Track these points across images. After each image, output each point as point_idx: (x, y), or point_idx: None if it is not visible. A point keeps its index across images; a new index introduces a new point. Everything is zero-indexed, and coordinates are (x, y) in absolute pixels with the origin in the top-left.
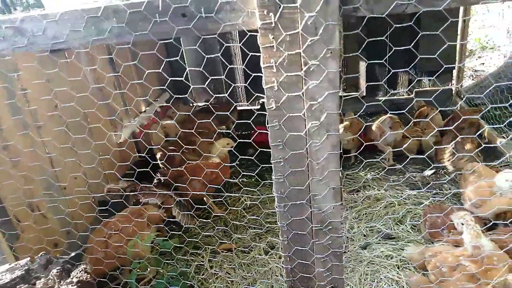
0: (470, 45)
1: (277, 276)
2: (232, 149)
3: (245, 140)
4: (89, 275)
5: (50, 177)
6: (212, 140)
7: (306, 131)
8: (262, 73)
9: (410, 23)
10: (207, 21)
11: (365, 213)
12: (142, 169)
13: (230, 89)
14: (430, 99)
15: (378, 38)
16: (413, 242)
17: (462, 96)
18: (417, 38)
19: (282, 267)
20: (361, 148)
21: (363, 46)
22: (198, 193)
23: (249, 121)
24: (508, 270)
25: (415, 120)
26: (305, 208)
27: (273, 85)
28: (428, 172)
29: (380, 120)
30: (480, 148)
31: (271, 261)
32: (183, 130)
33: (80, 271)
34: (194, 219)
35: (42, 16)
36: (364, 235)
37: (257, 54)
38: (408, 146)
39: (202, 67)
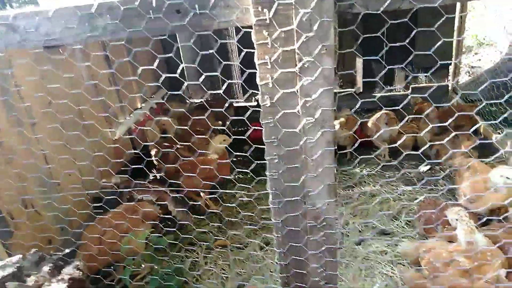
0: (467, 41)
1: (272, 272)
2: (227, 145)
3: (240, 137)
4: (81, 272)
5: (44, 174)
6: (207, 137)
7: (300, 128)
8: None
9: (405, 19)
10: (202, 17)
11: (360, 209)
12: (136, 166)
13: (225, 86)
14: (425, 95)
15: (374, 35)
16: (407, 238)
17: (457, 92)
18: (414, 34)
19: (276, 263)
20: (356, 144)
21: (360, 42)
22: (196, 189)
23: (244, 118)
24: (501, 265)
25: (409, 116)
26: (300, 204)
27: (268, 81)
28: (423, 168)
29: (376, 116)
30: (475, 144)
31: (265, 257)
32: (179, 127)
33: (72, 268)
34: (190, 215)
35: (35, 13)
36: (359, 231)
37: (253, 50)
38: (403, 142)
39: (198, 63)
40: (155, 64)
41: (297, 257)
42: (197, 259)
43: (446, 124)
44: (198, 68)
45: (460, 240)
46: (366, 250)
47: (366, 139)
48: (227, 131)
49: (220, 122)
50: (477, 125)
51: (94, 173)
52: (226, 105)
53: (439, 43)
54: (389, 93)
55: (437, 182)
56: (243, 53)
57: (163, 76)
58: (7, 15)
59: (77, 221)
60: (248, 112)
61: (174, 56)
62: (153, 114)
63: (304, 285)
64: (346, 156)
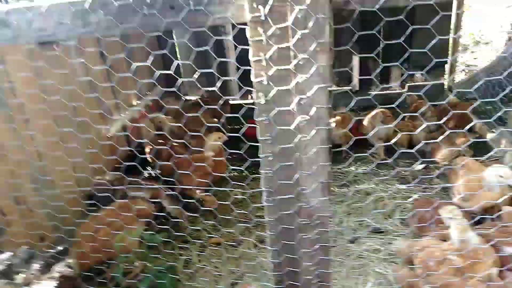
0: (464, 40)
1: (265, 270)
2: (221, 143)
3: (234, 134)
4: (72, 270)
5: (37, 170)
6: (201, 134)
7: (295, 126)
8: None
9: (401, 17)
10: (196, 13)
11: (355, 207)
12: (129, 163)
13: (220, 83)
14: (421, 93)
15: (369, 32)
16: (401, 236)
17: (453, 90)
18: (411, 32)
19: (270, 261)
20: (351, 143)
21: (357, 40)
22: (193, 187)
23: (238, 115)
24: (493, 264)
25: (404, 114)
26: (293, 202)
27: (262, 79)
28: (418, 167)
29: (372, 114)
30: (470, 143)
31: (259, 255)
32: (174, 124)
33: (62, 266)
34: (184, 212)
35: (27, 8)
36: (353, 229)
37: (249, 47)
38: (398, 140)
39: (195, 61)
40: (150, 60)
41: (290, 255)
42: (190, 257)
43: (441, 122)
44: (192, 65)
45: (453, 238)
46: (359, 248)
47: (362, 137)
48: (221, 128)
49: (215, 120)
50: (471, 124)
51: (88, 170)
52: (221, 102)
53: (435, 40)
54: (385, 92)
55: (431, 181)
56: (238, 50)
57: (157, 72)
58: None
59: (70, 219)
60: (243, 110)
61: (171, 53)
62: (149, 111)
63: (297, 283)
64: (341, 155)
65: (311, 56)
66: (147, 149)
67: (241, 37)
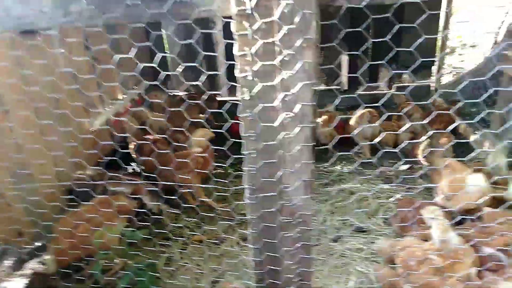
0: (451, 42)
1: (247, 268)
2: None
3: (219, 131)
4: (45, 267)
5: (16, 164)
6: (184, 130)
7: (279, 123)
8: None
9: (388, 15)
10: (181, 5)
11: (339, 206)
12: (110, 158)
13: (210, 79)
14: (404, 93)
15: (356, 29)
16: (384, 236)
17: (437, 91)
18: (400, 32)
19: (251, 259)
20: (334, 141)
21: (345, 38)
22: (187, 184)
23: (222, 111)
24: (473, 264)
25: (388, 114)
26: (276, 200)
27: (247, 74)
28: (402, 167)
29: (359, 114)
30: (452, 143)
31: (242, 253)
32: (157, 119)
33: (36, 263)
34: (166, 209)
35: None
36: (337, 228)
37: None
38: (384, 140)
39: (184, 55)
40: (133, 53)
41: (272, 254)
42: (172, 255)
43: (424, 122)
44: (176, 58)
45: (434, 238)
46: (342, 247)
47: (347, 135)
48: (205, 124)
49: (201, 116)
50: (454, 124)
51: (69, 165)
52: (205, 97)
53: (421, 39)
54: (373, 91)
55: (415, 181)
56: (228, 45)
57: (141, 65)
58: None
59: (49, 214)
60: (227, 106)
61: (160, 46)
62: (135, 105)
63: (277, 281)
64: (327, 154)
65: (296, 52)
66: (131, 145)
67: (229, 32)
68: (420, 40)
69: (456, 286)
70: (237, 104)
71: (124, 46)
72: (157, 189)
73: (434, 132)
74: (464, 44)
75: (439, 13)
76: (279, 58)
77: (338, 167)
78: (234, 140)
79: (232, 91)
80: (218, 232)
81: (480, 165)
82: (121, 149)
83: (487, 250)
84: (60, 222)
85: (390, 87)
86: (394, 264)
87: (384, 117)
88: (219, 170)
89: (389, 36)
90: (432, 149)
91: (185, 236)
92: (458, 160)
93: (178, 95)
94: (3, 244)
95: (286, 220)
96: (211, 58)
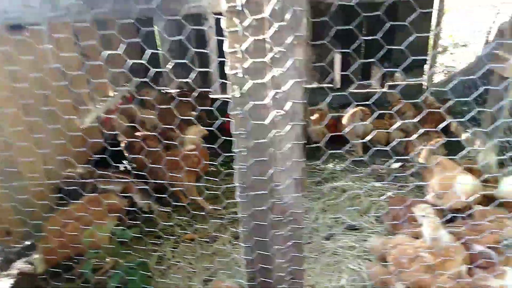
0: (443, 41)
1: (239, 267)
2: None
3: (210, 128)
4: (32, 267)
5: (3, 161)
6: (174, 128)
7: (270, 120)
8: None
9: (378, 13)
10: (170, 1)
11: (331, 204)
12: (99, 156)
13: (203, 76)
14: (394, 91)
15: (347, 27)
16: (376, 234)
17: (431, 90)
18: (393, 31)
19: (242, 257)
20: (325, 139)
21: (338, 36)
22: (178, 183)
23: (213, 108)
24: (463, 261)
25: (378, 112)
26: (267, 198)
27: (238, 71)
28: (394, 165)
29: (351, 112)
30: (442, 142)
31: (233, 251)
32: (146, 116)
33: (23, 263)
34: (156, 208)
35: None
36: (329, 226)
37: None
38: (376, 138)
39: (177, 52)
40: (121, 49)
41: (263, 252)
42: (164, 253)
43: (415, 121)
44: (166, 55)
45: (425, 236)
46: (334, 245)
47: (338, 133)
48: (195, 121)
49: (193, 113)
50: (445, 123)
51: (59, 163)
52: (195, 94)
53: (411, 38)
54: (366, 90)
55: (407, 179)
56: (215, 41)
57: (130, 62)
58: None
59: (38, 212)
60: (219, 103)
61: (152, 42)
62: (126, 102)
63: (269, 280)
64: (320, 152)
65: (287, 49)
66: (122, 144)
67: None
68: (411, 39)
69: (447, 283)
70: (229, 101)
71: (115, 43)
72: (147, 187)
73: (425, 131)
74: (456, 43)
75: (431, 12)
76: (270, 55)
77: (330, 165)
78: (225, 138)
79: (225, 88)
80: (209, 230)
81: (471, 163)
82: (113, 146)
83: (478, 248)
84: (49, 220)
85: (382, 86)
86: (386, 261)
87: (375, 115)
88: (211, 168)
89: (380, 34)
90: (423, 147)
91: (176, 235)
92: (450, 158)
93: (170, 92)
94: None
95: (277, 218)
96: (204, 54)
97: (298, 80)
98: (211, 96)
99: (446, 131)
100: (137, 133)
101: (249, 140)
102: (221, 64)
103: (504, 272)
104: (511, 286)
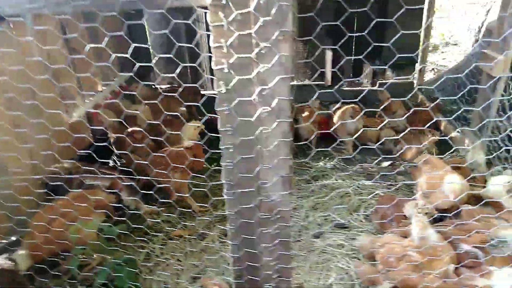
0: (434, 40)
1: (228, 265)
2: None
3: (194, 124)
4: (12, 263)
5: None
6: (159, 123)
7: (256, 117)
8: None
9: (365, 9)
10: None
11: (321, 202)
12: (85, 151)
13: (179, 69)
14: (382, 88)
15: (334, 23)
16: (365, 232)
17: (421, 89)
18: (384, 29)
19: (230, 255)
20: (312, 137)
21: (329, 33)
22: (164, 179)
23: (199, 104)
24: (450, 260)
25: (369, 110)
26: (254, 196)
27: (223, 66)
28: (384, 163)
29: (342, 110)
30: (429, 141)
31: (222, 249)
32: (133, 111)
33: (3, 259)
34: (142, 204)
35: None
36: (319, 224)
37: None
38: (366, 136)
39: (167, 47)
40: (104, 42)
41: (250, 250)
42: (153, 250)
43: (403, 119)
44: (151, 49)
45: (413, 235)
46: (324, 243)
47: (328, 131)
48: (181, 117)
49: (184, 109)
50: (432, 121)
51: (46, 158)
52: (180, 89)
53: (397, 35)
54: (357, 88)
55: (396, 177)
56: (205, 36)
57: (113, 55)
58: None
59: (23, 208)
60: (208, 99)
61: (142, 36)
62: (115, 97)
63: (256, 278)
64: (311, 149)
65: (273, 44)
66: (111, 139)
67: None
68: (397, 35)
69: (434, 282)
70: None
71: (103, 36)
72: (133, 183)
73: (420, 129)
74: (447, 42)
75: (422, 11)
76: (256, 50)
77: (321, 163)
78: (211, 134)
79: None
80: (198, 227)
81: (461, 161)
82: (101, 142)
83: (465, 247)
84: (34, 216)
85: (374, 84)
86: (374, 260)
87: (362, 113)
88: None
89: (368, 31)
90: (410, 146)
91: (165, 231)
92: (439, 157)
93: (161, 87)
94: None
95: (265, 216)
96: (194, 49)
97: (284, 76)
98: (202, 92)
99: (436, 130)
100: (131, 129)
101: (235, 137)
102: (211, 59)
103: (490, 272)
104: (497, 286)
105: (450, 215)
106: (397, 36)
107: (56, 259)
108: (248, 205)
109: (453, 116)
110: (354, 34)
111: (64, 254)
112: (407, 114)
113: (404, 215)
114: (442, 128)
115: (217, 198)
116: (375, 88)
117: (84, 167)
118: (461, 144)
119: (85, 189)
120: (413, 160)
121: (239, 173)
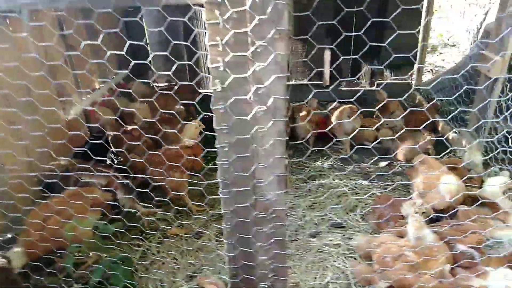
0: (433, 41)
1: (224, 264)
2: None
3: (195, 123)
4: (6, 261)
5: None
6: (156, 123)
7: (252, 116)
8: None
9: (361, 8)
10: None
11: (318, 202)
12: (80, 149)
13: (174, 67)
14: (378, 88)
15: (330, 22)
16: (361, 232)
17: (419, 90)
18: (383, 29)
19: (225, 254)
20: (309, 136)
21: (328, 33)
22: (159, 177)
23: (194, 102)
24: (446, 261)
25: (366, 109)
26: (249, 195)
27: (219, 65)
28: (381, 163)
29: (340, 110)
30: (425, 141)
31: (219, 247)
32: (127, 109)
33: None
34: (138, 203)
35: None
36: (315, 224)
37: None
38: (363, 136)
39: (164, 46)
40: (100, 39)
41: (246, 249)
42: (149, 248)
43: (399, 119)
44: (146, 47)
45: (409, 235)
46: (320, 242)
47: (323, 130)
48: (177, 116)
49: (180, 107)
50: (428, 122)
51: (42, 155)
52: (176, 87)
53: (394, 35)
54: (355, 88)
55: (393, 178)
56: (203, 34)
57: (108, 53)
58: None
59: (19, 205)
60: (205, 97)
61: (139, 34)
62: (112, 95)
63: (252, 277)
64: (308, 148)
65: (269, 43)
66: (108, 137)
67: None
68: (393, 35)
69: (430, 282)
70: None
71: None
72: (128, 181)
73: (410, 130)
74: (446, 43)
75: (421, 12)
76: (251, 49)
77: (318, 162)
78: (207, 133)
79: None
80: (194, 226)
81: (457, 162)
82: (99, 139)
83: (460, 248)
84: (30, 214)
85: (372, 84)
86: (371, 260)
87: (358, 112)
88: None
89: (362, 31)
90: (405, 146)
91: (161, 230)
92: (436, 158)
93: (158, 85)
94: None
95: (260, 215)
96: (191, 49)
97: (280, 75)
98: (200, 90)
99: (434, 130)
100: (129, 127)
101: (231, 136)
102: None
103: (486, 272)
104: (493, 286)
105: (446, 215)
106: (393, 36)
107: (51, 256)
108: (243, 204)
109: (450, 117)
110: (353, 34)
111: (60, 252)
112: (403, 114)
113: (401, 215)
114: (439, 128)
115: (213, 196)
116: (371, 88)
117: (82, 165)
118: (458, 145)
119: (81, 186)
120: (409, 160)
121: (234, 172)
